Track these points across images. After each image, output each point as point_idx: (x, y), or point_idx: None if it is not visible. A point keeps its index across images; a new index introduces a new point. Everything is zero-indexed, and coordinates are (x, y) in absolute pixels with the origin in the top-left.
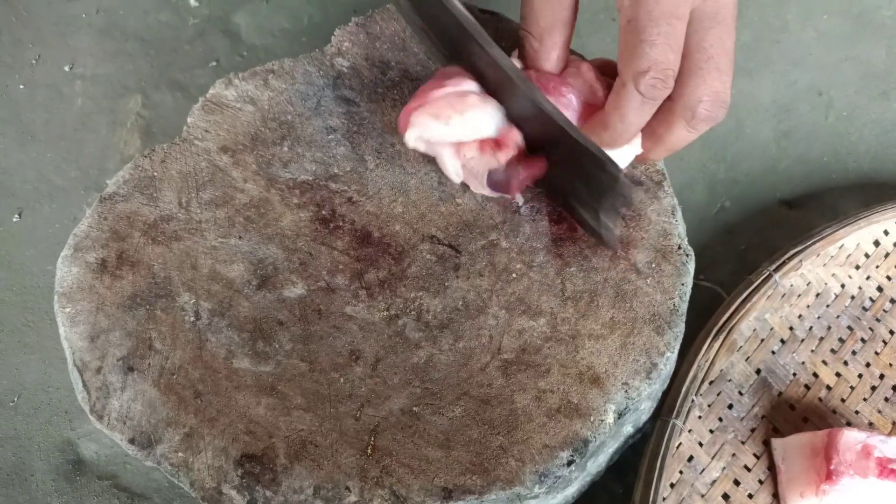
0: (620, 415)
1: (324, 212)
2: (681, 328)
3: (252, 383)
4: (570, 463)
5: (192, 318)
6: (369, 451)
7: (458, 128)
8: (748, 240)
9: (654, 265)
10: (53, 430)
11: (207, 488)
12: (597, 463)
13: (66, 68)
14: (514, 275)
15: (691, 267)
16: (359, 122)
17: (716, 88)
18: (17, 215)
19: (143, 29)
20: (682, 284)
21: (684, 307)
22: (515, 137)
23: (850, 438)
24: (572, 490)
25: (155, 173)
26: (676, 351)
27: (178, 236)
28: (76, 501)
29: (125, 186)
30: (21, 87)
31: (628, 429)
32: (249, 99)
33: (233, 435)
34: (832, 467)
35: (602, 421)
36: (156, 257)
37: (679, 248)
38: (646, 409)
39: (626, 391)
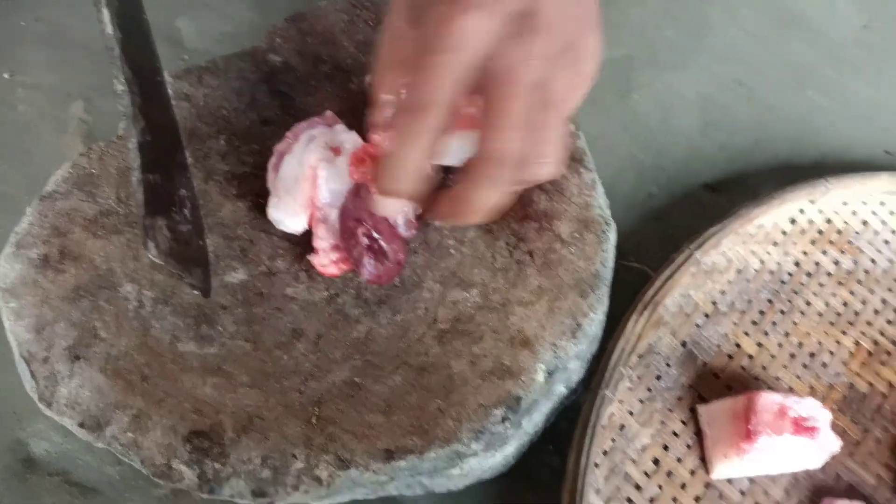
0: (550, 373)
1: (262, 200)
2: (604, 291)
3: (198, 365)
4: (504, 419)
5: (136, 307)
6: (314, 420)
7: None
8: (675, 223)
9: (577, 235)
10: (3, 431)
11: (158, 465)
12: (533, 422)
13: (6, 76)
14: (449, 251)
15: (612, 235)
16: (294, 113)
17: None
18: None
19: (86, 36)
20: (604, 251)
21: (606, 272)
22: None
23: (768, 400)
24: (510, 449)
25: (93, 171)
26: (602, 312)
27: (118, 230)
28: (28, 499)
29: (64, 184)
30: None
31: (560, 388)
32: (184, 96)
33: (180, 414)
34: (750, 427)
35: (533, 380)
36: (97, 250)
37: (600, 217)
38: (575, 368)
39: (554, 351)
